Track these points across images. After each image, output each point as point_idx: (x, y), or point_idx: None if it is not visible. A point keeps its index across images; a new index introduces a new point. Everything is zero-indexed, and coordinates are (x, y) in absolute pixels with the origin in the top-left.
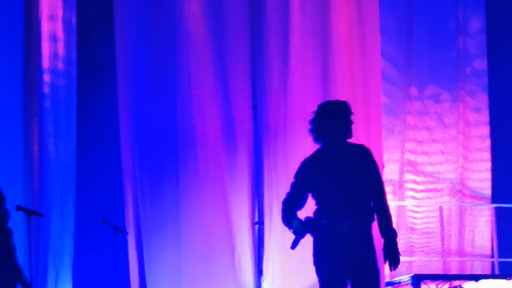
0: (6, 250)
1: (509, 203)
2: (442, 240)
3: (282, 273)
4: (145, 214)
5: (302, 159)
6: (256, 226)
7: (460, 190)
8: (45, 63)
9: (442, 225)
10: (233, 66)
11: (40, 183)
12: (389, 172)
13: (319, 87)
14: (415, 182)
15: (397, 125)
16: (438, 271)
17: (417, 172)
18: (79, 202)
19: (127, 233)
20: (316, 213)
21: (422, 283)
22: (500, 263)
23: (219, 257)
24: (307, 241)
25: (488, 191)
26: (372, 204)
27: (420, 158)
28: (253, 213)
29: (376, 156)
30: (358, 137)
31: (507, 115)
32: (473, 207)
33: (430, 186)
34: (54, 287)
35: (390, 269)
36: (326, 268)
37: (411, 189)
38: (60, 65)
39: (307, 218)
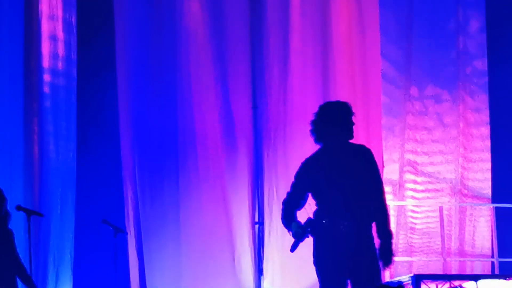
0: (6, 251)
1: (509, 203)
2: (442, 240)
3: (282, 273)
4: (145, 214)
5: (302, 159)
6: (256, 226)
7: (460, 190)
8: (45, 63)
9: (442, 225)
10: (233, 66)
11: (40, 183)
12: (389, 172)
13: (319, 87)
14: (415, 182)
15: (397, 125)
16: (438, 271)
17: (417, 172)
18: (79, 202)
19: (127, 233)
20: (316, 213)
21: (422, 283)
22: (500, 263)
23: (219, 257)
24: (307, 241)
25: (488, 191)
26: (371, 204)
27: (420, 158)
28: (253, 213)
29: (376, 156)
30: (358, 137)
31: (507, 115)
32: (473, 207)
33: (430, 186)
34: (54, 287)
35: (383, 268)
36: (326, 268)
37: (411, 189)
38: (60, 65)
39: (307, 220)
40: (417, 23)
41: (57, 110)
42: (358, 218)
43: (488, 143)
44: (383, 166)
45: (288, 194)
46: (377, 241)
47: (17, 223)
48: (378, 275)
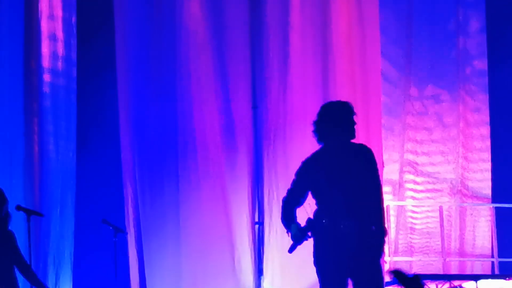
0: (6, 252)
1: (509, 203)
2: (442, 240)
3: (282, 273)
4: (145, 214)
5: (302, 159)
6: (256, 226)
7: (460, 190)
8: (45, 62)
9: (442, 225)
10: (233, 66)
11: (40, 183)
12: (388, 172)
13: (319, 87)
14: (415, 182)
15: (397, 125)
16: (438, 271)
17: (417, 172)
18: (79, 202)
19: (127, 233)
20: (316, 213)
21: None
22: (500, 263)
23: (219, 257)
24: (308, 241)
25: (488, 191)
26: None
27: (420, 159)
28: (253, 213)
29: (376, 156)
30: (358, 137)
31: (507, 115)
32: (473, 207)
33: (430, 186)
34: (54, 287)
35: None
36: (327, 268)
37: (411, 189)
38: (60, 65)
39: (307, 223)
40: (417, 23)
41: (57, 110)
42: (358, 218)
43: (488, 143)
44: (383, 166)
45: (288, 191)
46: None
47: (17, 223)
48: (379, 274)
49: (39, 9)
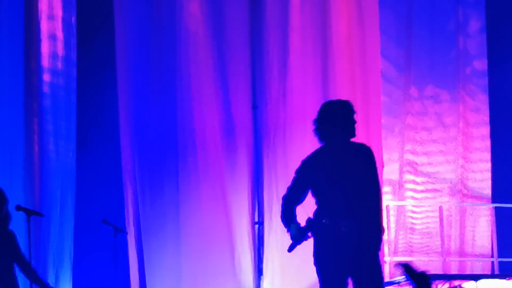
0: (6, 252)
1: (509, 203)
2: (442, 240)
3: (282, 273)
4: (145, 214)
5: (302, 158)
6: (256, 226)
7: (460, 190)
8: (45, 62)
9: (442, 225)
10: (233, 66)
11: (40, 183)
12: (388, 172)
13: (319, 87)
14: (415, 182)
15: (396, 125)
16: (438, 271)
17: (417, 173)
18: (79, 202)
19: (127, 233)
20: (316, 213)
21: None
22: (500, 263)
23: (219, 257)
24: (307, 241)
25: (488, 191)
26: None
27: (419, 159)
28: (253, 213)
29: (376, 156)
30: (358, 137)
31: (507, 115)
32: (473, 207)
33: (429, 186)
34: (54, 287)
35: None
36: (327, 268)
37: (411, 189)
38: (60, 65)
39: (307, 223)
40: (417, 23)
41: (57, 110)
42: (358, 218)
43: (488, 143)
44: (383, 166)
45: (288, 189)
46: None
47: (17, 223)
48: (379, 274)
49: (39, 9)
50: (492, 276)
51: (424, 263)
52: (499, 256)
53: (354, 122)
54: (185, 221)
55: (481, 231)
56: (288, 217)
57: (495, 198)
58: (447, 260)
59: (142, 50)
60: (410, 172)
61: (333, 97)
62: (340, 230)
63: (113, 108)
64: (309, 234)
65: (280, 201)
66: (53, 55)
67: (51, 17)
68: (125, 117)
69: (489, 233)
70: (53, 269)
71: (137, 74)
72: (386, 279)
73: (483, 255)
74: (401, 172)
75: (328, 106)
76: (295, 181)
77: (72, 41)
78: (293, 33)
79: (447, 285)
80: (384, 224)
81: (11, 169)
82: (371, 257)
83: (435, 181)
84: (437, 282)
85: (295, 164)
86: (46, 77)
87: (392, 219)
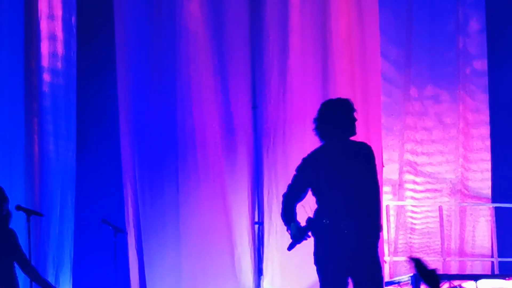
0: (6, 252)
1: (509, 203)
2: (442, 240)
3: (282, 273)
4: (145, 214)
5: (303, 157)
6: (256, 226)
7: (460, 190)
8: (45, 62)
9: (442, 225)
10: (233, 66)
11: (40, 183)
12: (388, 172)
13: (319, 87)
14: (415, 182)
15: (396, 125)
16: (438, 271)
17: (416, 173)
18: (79, 202)
19: (127, 233)
20: (317, 213)
21: (421, 283)
22: (500, 263)
23: (218, 257)
24: (307, 241)
25: (488, 191)
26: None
27: (419, 159)
28: (253, 213)
29: (376, 156)
30: (358, 137)
31: (507, 115)
32: (473, 207)
33: (429, 186)
34: (55, 285)
35: None
36: (327, 268)
37: (411, 190)
38: (60, 65)
39: (307, 222)
40: (417, 23)
41: (57, 110)
42: (359, 218)
43: (488, 143)
44: (383, 166)
45: (289, 186)
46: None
47: (17, 223)
48: (379, 274)
49: (39, 9)
50: (492, 276)
51: None
52: (499, 256)
53: (354, 120)
54: (185, 221)
55: (481, 231)
56: (288, 215)
57: (495, 198)
58: (447, 260)
59: (142, 50)
60: (410, 172)
61: (333, 97)
62: (340, 230)
63: (113, 108)
64: (309, 233)
65: (281, 201)
66: (53, 55)
67: (51, 17)
68: (125, 117)
69: (489, 233)
70: (53, 269)
71: (137, 74)
72: (386, 279)
73: (483, 255)
74: (401, 172)
75: (328, 105)
76: (296, 179)
77: (72, 41)
78: (293, 33)
79: (447, 285)
80: (384, 224)
81: (11, 169)
82: (371, 257)
83: (435, 181)
84: None
85: (295, 164)
86: (46, 77)
87: (392, 219)
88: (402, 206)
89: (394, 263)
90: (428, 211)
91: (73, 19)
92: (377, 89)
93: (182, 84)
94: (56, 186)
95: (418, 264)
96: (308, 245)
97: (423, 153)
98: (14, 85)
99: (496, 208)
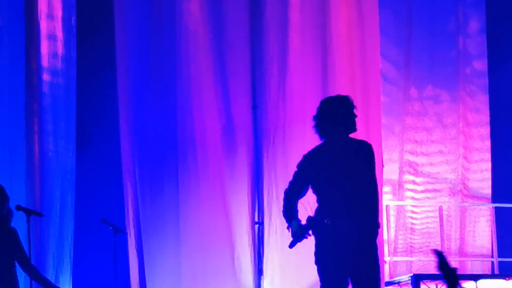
0: (6, 251)
1: (509, 203)
2: (442, 240)
3: (282, 273)
4: (145, 214)
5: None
6: (256, 226)
7: (460, 190)
8: (45, 62)
9: (442, 225)
10: (233, 66)
11: (40, 183)
12: (388, 172)
13: (318, 87)
14: (415, 182)
15: (396, 125)
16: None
17: (416, 173)
18: (79, 202)
19: (127, 233)
20: (317, 212)
21: (421, 283)
22: (500, 263)
23: (219, 257)
24: (307, 241)
25: (488, 191)
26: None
27: (419, 159)
28: (253, 213)
29: (376, 156)
30: (357, 137)
31: (507, 115)
32: (473, 207)
33: (429, 186)
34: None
35: None
36: (328, 267)
37: (411, 190)
38: (60, 65)
39: (307, 221)
40: (417, 23)
41: (57, 110)
42: (359, 218)
43: (488, 143)
44: (383, 166)
45: (290, 183)
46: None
47: (17, 223)
48: (377, 276)
49: (39, 9)
50: (492, 276)
51: (424, 263)
52: (499, 256)
53: (354, 116)
54: (185, 221)
55: (481, 231)
56: (289, 212)
57: (495, 198)
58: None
59: (142, 50)
60: (410, 172)
61: None
62: (340, 230)
63: (113, 108)
64: (310, 232)
65: (280, 201)
66: (53, 55)
67: (51, 17)
68: (125, 117)
69: (489, 233)
70: (53, 269)
71: (137, 74)
72: (386, 279)
73: (483, 255)
74: (401, 172)
75: (327, 103)
76: (296, 175)
77: (72, 41)
78: (293, 33)
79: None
80: (384, 224)
81: (11, 169)
82: (371, 258)
83: (435, 181)
84: (437, 282)
85: (295, 164)
86: (46, 77)
87: (392, 219)
88: (402, 206)
89: (394, 263)
90: (428, 211)
91: (73, 19)
92: (377, 89)
93: (182, 84)
94: (56, 186)
95: (441, 258)
96: (308, 245)
97: (423, 153)
98: (14, 85)
99: (496, 208)
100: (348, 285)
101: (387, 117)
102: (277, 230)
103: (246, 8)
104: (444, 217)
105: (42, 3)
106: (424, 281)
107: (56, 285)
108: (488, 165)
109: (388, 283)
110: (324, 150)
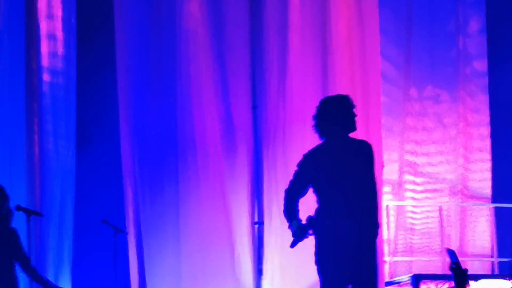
0: (6, 251)
1: (509, 203)
2: (442, 240)
3: (282, 273)
4: (145, 214)
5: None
6: (256, 226)
7: (460, 190)
8: (45, 62)
9: (441, 225)
10: (233, 66)
11: (40, 183)
12: (388, 172)
13: (318, 87)
14: (414, 182)
15: (396, 125)
16: (438, 271)
17: (416, 173)
18: (79, 202)
19: (127, 233)
20: (317, 212)
21: (421, 283)
22: (500, 263)
23: (218, 257)
24: (307, 241)
25: (488, 191)
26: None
27: (419, 159)
28: (253, 213)
29: (376, 155)
30: (357, 136)
31: (507, 115)
32: (473, 207)
33: (429, 186)
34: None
35: None
36: (328, 268)
37: (411, 190)
38: (60, 64)
39: (308, 220)
40: (417, 23)
41: (57, 110)
42: (359, 218)
43: (488, 143)
44: (383, 166)
45: (291, 182)
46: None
47: (17, 223)
48: (376, 275)
49: (39, 8)
50: (492, 276)
51: (424, 263)
52: (499, 256)
53: (354, 116)
54: (185, 221)
55: (481, 231)
56: (290, 212)
57: (495, 198)
58: (446, 260)
59: (142, 50)
60: (409, 173)
61: None
62: (340, 230)
63: (113, 108)
64: (310, 231)
65: (280, 200)
66: (53, 55)
67: (50, 17)
68: (125, 117)
69: (489, 233)
70: (53, 269)
71: (137, 74)
72: (386, 279)
73: (483, 255)
74: (401, 172)
75: (327, 102)
76: (296, 175)
77: (72, 41)
78: (293, 33)
79: (447, 285)
80: (384, 224)
81: (11, 169)
82: (371, 258)
83: (435, 181)
84: (437, 282)
85: (295, 163)
86: (46, 77)
87: (392, 219)
88: (402, 206)
89: (394, 263)
90: (428, 211)
91: (73, 19)
92: (377, 89)
93: (182, 84)
94: (56, 186)
95: (455, 259)
96: (308, 245)
97: (423, 154)
98: (14, 85)
99: (496, 208)
100: (347, 286)
101: (387, 117)
102: (277, 230)
103: (246, 8)
104: (444, 217)
105: (42, 3)
106: (424, 281)
107: (56, 285)
108: (488, 165)
109: (388, 283)
110: (324, 150)
